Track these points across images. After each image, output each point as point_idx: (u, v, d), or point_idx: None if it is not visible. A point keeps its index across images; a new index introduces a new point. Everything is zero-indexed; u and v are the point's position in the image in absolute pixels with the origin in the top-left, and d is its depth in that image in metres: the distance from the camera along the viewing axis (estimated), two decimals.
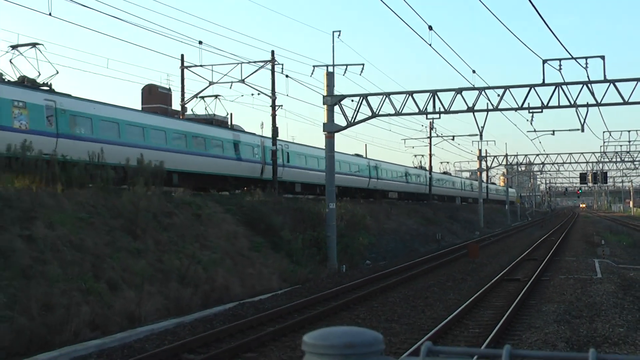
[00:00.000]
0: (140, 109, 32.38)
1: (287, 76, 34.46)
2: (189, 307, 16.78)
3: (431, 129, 62.25)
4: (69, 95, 23.05)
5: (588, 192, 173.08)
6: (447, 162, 78.36)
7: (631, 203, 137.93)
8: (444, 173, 77.98)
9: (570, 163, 70.86)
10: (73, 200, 18.16)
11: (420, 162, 68.21)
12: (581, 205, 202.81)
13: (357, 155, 51.15)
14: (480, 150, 68.81)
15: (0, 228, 14.70)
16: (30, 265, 14.06)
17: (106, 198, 19.46)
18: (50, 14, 20.70)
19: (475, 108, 27.32)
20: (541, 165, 74.85)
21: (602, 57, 25.42)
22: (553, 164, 71.73)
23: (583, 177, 75.98)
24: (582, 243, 42.56)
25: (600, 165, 73.57)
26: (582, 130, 29.27)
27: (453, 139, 63.32)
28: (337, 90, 28.39)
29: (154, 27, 54.70)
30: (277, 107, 34.51)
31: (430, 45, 24.85)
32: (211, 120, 33.03)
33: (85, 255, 15.69)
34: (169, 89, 41.23)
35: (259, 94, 34.75)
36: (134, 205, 19.23)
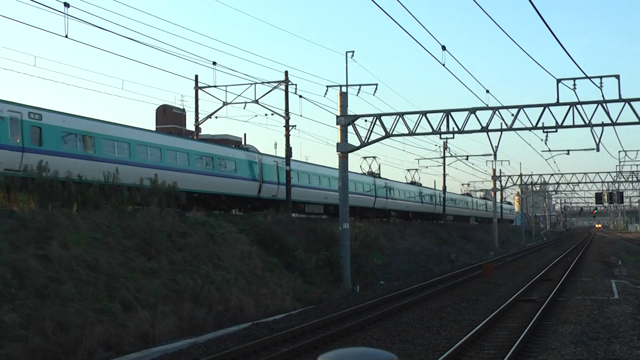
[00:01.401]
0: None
1: (300, 96, 34.67)
2: (202, 327, 16.75)
3: (445, 148, 62.29)
4: None
5: (604, 212, 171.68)
6: (416, 170, 63.82)
7: None
8: (412, 183, 62.17)
9: (585, 183, 70.51)
10: (88, 220, 18.24)
11: (370, 166, 52.68)
12: (597, 226, 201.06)
13: (245, 148, 35.40)
14: (494, 170, 68.62)
15: (16, 248, 14.78)
16: (45, 285, 14.10)
17: (121, 218, 19.53)
18: (66, 36, 20.91)
19: (489, 128, 27.30)
20: (556, 185, 74.48)
21: (617, 77, 25.34)
22: (568, 183, 71.38)
23: (599, 197, 75.37)
24: (598, 263, 42.16)
25: (616, 185, 73.09)
26: (598, 150, 29.16)
27: (467, 159, 63.30)
28: (351, 110, 28.48)
29: (168, 49, 55.36)
30: (290, 128, 34.65)
31: (444, 65, 24.76)
32: None
33: (100, 275, 15.72)
34: (183, 110, 41.58)
35: (272, 114, 34.90)
36: (148, 225, 19.28)
